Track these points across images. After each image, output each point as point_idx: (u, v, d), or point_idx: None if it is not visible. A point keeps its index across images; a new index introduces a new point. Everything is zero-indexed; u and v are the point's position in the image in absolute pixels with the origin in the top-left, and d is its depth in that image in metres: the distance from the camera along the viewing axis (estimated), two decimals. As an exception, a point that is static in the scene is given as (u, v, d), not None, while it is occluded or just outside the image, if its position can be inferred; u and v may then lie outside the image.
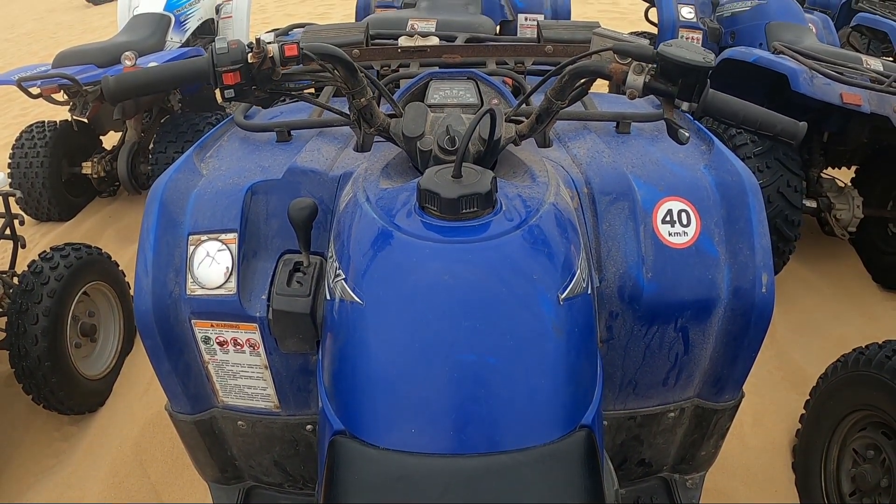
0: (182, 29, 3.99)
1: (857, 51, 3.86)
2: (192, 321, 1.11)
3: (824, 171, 3.03)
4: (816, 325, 2.71)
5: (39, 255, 2.30)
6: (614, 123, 1.31)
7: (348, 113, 1.08)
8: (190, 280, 1.10)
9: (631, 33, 1.14)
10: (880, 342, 1.75)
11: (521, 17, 3.47)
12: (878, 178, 3.01)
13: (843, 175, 3.13)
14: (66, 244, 2.38)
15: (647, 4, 4.37)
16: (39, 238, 3.58)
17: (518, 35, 3.39)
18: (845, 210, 2.89)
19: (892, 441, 1.70)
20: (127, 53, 3.11)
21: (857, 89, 2.37)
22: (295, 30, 2.42)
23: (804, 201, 2.75)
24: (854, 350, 1.80)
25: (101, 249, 2.51)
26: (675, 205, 1.12)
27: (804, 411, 1.98)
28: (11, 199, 2.40)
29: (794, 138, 0.97)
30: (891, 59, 3.62)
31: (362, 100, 1.01)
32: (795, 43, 2.95)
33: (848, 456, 1.82)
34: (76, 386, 2.27)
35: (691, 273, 1.09)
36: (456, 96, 1.25)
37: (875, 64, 2.67)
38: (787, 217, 2.60)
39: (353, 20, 3.68)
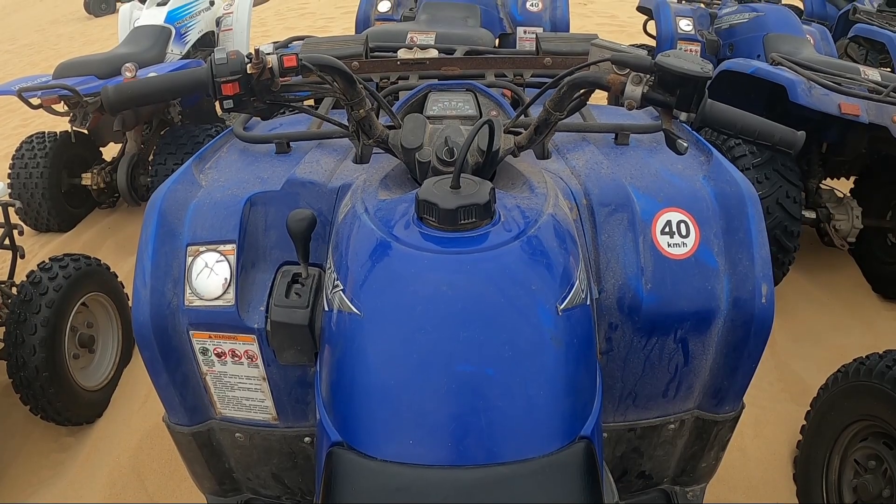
0: (182, 41, 4.01)
1: (855, 61, 3.88)
2: (191, 332, 1.10)
3: (823, 181, 3.03)
4: (816, 336, 2.71)
5: (38, 265, 2.30)
6: (613, 135, 1.31)
7: (347, 124, 1.09)
8: (188, 291, 1.10)
9: (630, 46, 1.14)
10: (880, 352, 1.74)
11: (519, 30, 3.49)
12: (878, 189, 3.01)
13: (842, 185, 3.14)
14: (64, 255, 2.37)
15: (646, 17, 4.40)
16: (38, 249, 3.58)
17: (517, 48, 3.41)
18: (844, 220, 2.89)
19: (894, 451, 1.69)
20: (127, 65, 3.12)
21: (856, 99, 2.38)
22: (294, 42, 2.43)
23: (803, 212, 2.75)
24: (854, 360, 1.80)
25: (100, 260, 2.51)
26: (674, 216, 1.12)
27: (805, 422, 1.97)
28: (11, 210, 2.40)
29: (793, 147, 0.97)
30: (888, 69, 3.63)
31: (361, 111, 1.02)
32: (793, 54, 2.96)
33: (849, 466, 1.81)
34: (74, 397, 2.26)
35: (691, 284, 1.09)
36: (455, 108, 1.25)
37: (873, 74, 2.68)
38: (786, 228, 2.60)
39: (353, 33, 3.69)
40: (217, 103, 0.98)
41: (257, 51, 0.96)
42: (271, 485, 1.31)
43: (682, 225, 1.12)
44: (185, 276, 1.10)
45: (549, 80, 1.05)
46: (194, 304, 1.09)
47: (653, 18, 4.17)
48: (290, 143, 1.30)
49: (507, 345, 0.75)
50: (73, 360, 2.34)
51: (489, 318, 0.76)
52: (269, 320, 1.02)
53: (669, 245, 1.10)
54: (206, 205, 1.15)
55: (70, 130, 3.55)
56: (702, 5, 4.26)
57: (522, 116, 1.11)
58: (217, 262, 1.10)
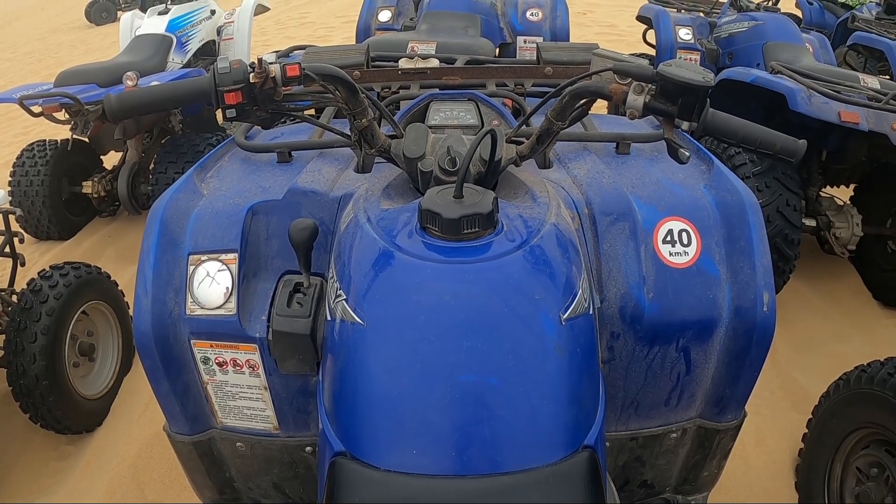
0: (184, 50, 4.02)
1: (854, 69, 3.89)
2: (192, 341, 1.10)
3: (823, 189, 3.03)
4: (817, 344, 2.71)
5: (39, 273, 2.30)
6: (614, 144, 1.31)
7: (349, 134, 1.09)
8: (189, 300, 1.10)
9: (630, 55, 1.15)
10: (882, 360, 1.74)
11: (520, 39, 3.50)
12: (877, 196, 3.02)
13: (842, 193, 3.14)
14: (65, 263, 2.37)
15: (645, 26, 4.41)
16: (39, 257, 3.58)
17: (517, 57, 3.42)
18: (845, 228, 2.90)
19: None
20: (128, 73, 3.13)
21: (855, 107, 2.38)
22: (296, 52, 2.44)
23: (804, 220, 2.75)
24: (855, 368, 1.80)
25: (100, 269, 2.51)
26: (676, 225, 1.12)
27: (806, 430, 1.96)
28: (11, 217, 2.40)
29: (794, 156, 0.97)
30: (887, 77, 3.65)
31: (363, 121, 1.02)
32: (793, 62, 2.97)
33: (851, 474, 1.80)
34: (74, 405, 2.26)
35: (692, 293, 1.09)
36: (456, 117, 1.25)
37: (872, 82, 2.69)
38: (786, 236, 2.60)
39: (354, 43, 3.71)
40: (219, 112, 0.98)
41: (260, 60, 0.96)
42: (272, 494, 1.31)
43: (684, 234, 1.12)
44: (186, 285, 1.10)
45: (549, 90, 1.06)
46: (196, 313, 1.09)
47: (652, 28, 4.19)
48: (292, 152, 1.30)
49: (511, 354, 0.75)
50: (73, 368, 2.33)
51: (492, 328, 0.76)
52: (270, 329, 1.02)
53: (671, 254, 1.11)
54: (207, 214, 1.15)
55: (71, 138, 3.56)
56: (701, 14, 4.28)
57: (524, 126, 1.11)
58: (219, 271, 1.10)
